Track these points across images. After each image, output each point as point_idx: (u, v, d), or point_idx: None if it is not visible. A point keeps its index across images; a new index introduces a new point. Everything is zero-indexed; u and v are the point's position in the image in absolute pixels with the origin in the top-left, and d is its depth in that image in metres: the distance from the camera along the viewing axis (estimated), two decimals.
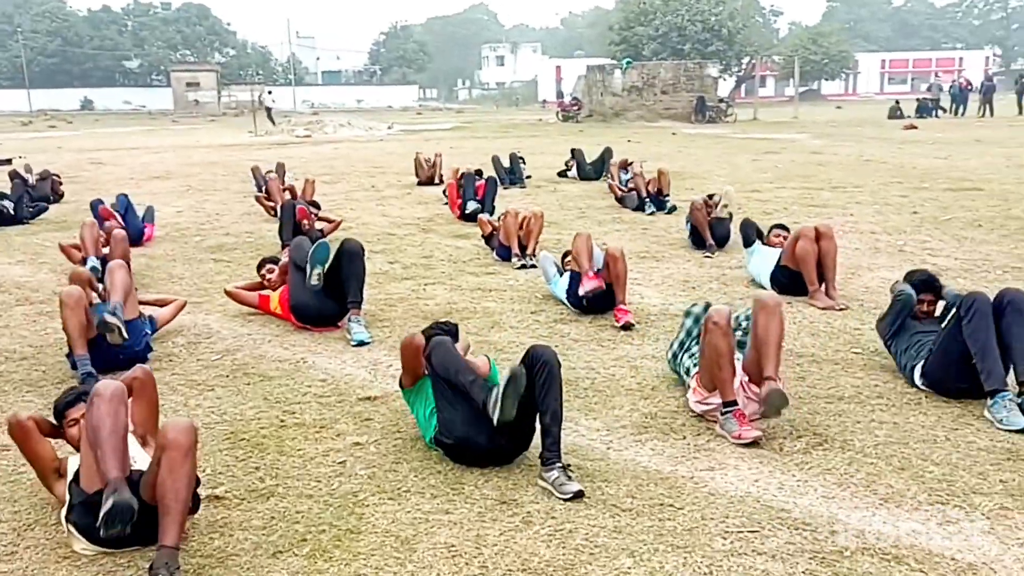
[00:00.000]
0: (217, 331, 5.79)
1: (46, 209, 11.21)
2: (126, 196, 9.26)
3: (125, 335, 4.70)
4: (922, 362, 4.42)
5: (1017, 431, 3.85)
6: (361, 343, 5.41)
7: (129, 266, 5.57)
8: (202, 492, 3.39)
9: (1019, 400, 3.99)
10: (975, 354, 4.09)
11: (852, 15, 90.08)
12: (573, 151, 14.94)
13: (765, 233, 6.99)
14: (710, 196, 8.50)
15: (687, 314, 4.70)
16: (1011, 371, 4.08)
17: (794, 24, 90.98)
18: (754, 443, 3.80)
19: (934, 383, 4.37)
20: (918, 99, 36.40)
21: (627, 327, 5.66)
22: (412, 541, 3.05)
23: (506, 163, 13.82)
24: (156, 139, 29.66)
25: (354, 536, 3.10)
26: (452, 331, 4.02)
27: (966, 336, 4.12)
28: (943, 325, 4.47)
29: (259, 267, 6.27)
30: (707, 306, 4.58)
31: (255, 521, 3.21)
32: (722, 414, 3.95)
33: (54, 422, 3.39)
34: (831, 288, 6.22)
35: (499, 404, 3.37)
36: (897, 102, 35.76)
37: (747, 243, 6.94)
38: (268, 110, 38.42)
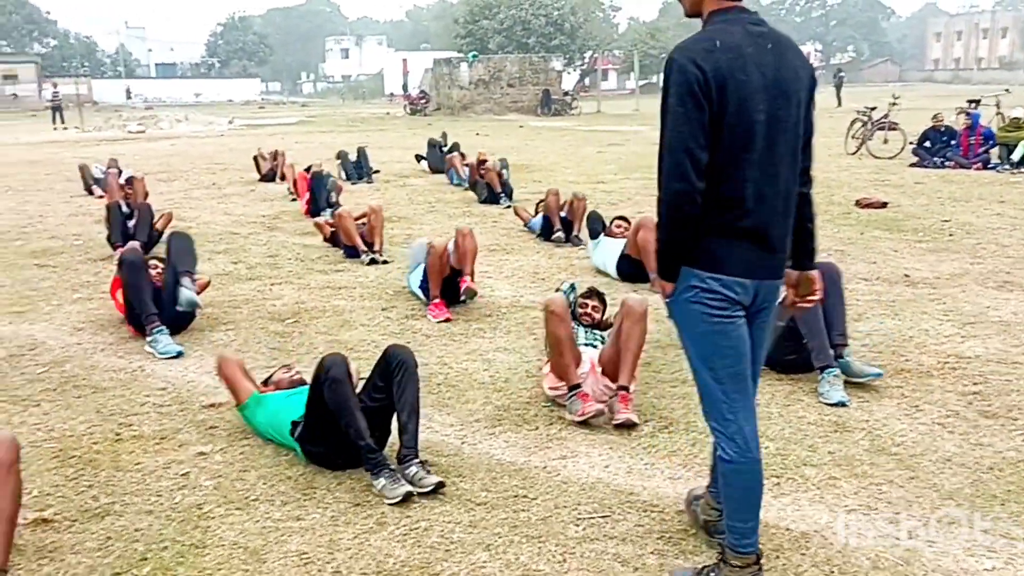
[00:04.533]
0: (43, 342, 5.40)
1: None
2: None
3: None
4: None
5: (835, 404, 4.13)
6: (188, 302, 5.31)
7: None
8: (29, 515, 3.16)
9: (841, 363, 4.30)
10: (805, 335, 4.35)
11: None
12: (430, 143, 14.97)
13: (608, 225, 7.19)
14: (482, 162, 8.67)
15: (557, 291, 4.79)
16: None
17: (633, 19, 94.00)
18: (600, 424, 3.89)
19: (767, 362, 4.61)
20: None
21: (470, 293, 5.77)
22: (262, 551, 2.95)
23: (353, 157, 13.61)
24: None
25: (199, 551, 2.96)
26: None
27: (796, 319, 4.37)
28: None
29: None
30: (572, 286, 4.70)
31: (89, 543, 3.01)
32: (568, 399, 4.04)
33: None
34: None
35: (396, 496, 3.24)
36: None
37: (593, 235, 7.13)
38: (55, 108, 32.69)
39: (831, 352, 4.34)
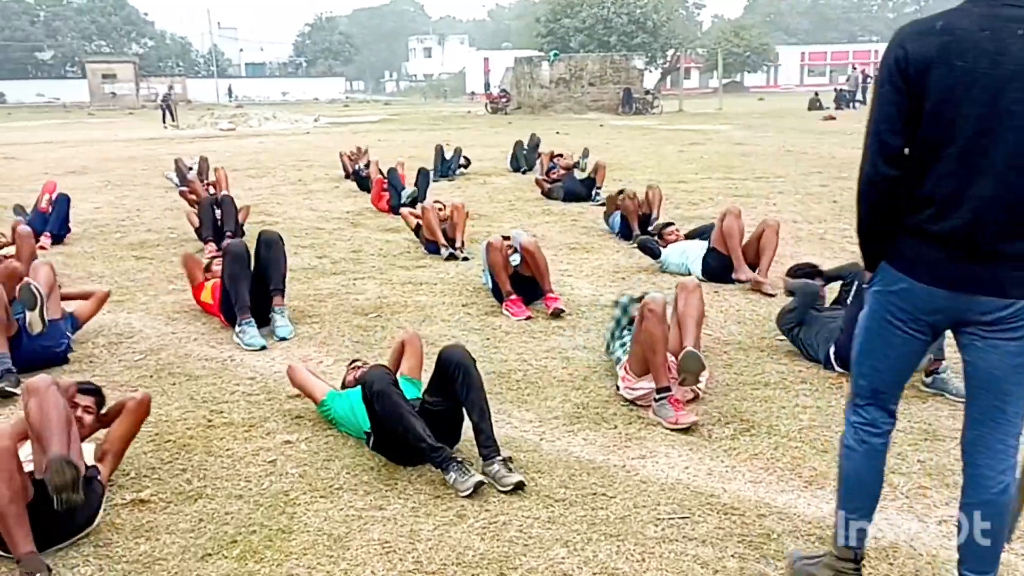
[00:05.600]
0: (140, 330, 5.63)
1: None
2: (67, 197, 9.00)
3: (45, 316, 4.66)
4: (833, 344, 4.57)
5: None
6: (283, 338, 5.33)
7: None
8: (127, 496, 3.32)
9: (937, 379, 4.20)
10: None
11: (772, 8, 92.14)
12: (513, 145, 15.02)
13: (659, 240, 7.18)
14: (619, 192, 8.60)
15: (615, 304, 4.80)
16: None
17: (717, 17, 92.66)
18: (688, 429, 3.87)
19: (846, 360, 4.50)
20: (836, 90, 37.42)
21: (557, 314, 5.70)
22: (345, 539, 3.02)
23: (449, 154, 13.80)
24: (71, 133, 28.63)
25: (286, 536, 3.05)
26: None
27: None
28: (848, 302, 4.65)
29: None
30: (632, 299, 4.68)
31: (183, 524, 3.14)
32: (656, 400, 4.01)
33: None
34: (765, 271, 6.45)
35: (467, 488, 3.28)
36: (816, 94, 36.73)
37: (654, 256, 7.04)
38: (167, 107, 33.68)
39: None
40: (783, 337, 5.15)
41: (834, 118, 27.73)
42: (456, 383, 3.49)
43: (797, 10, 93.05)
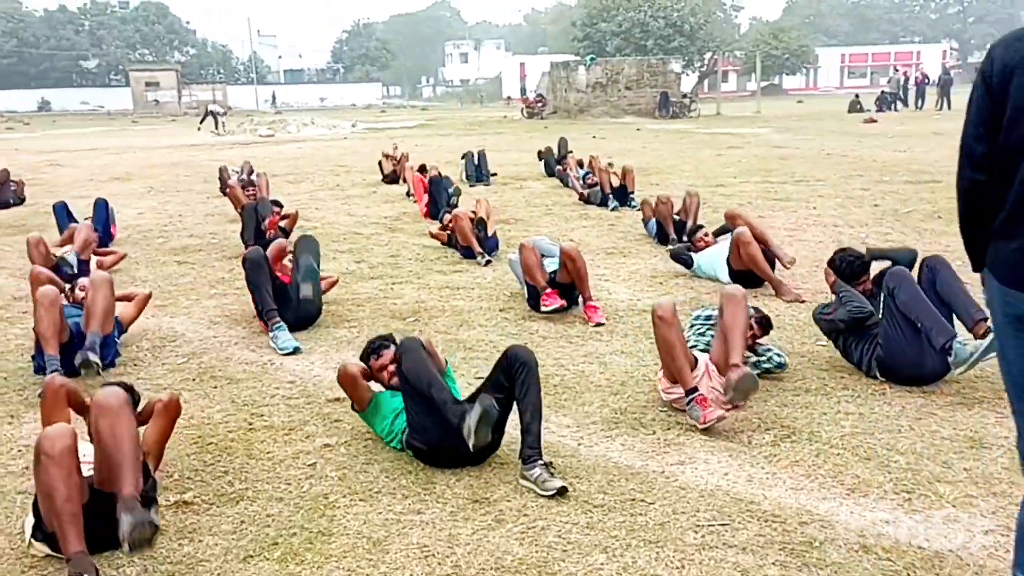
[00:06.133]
0: (182, 334, 5.71)
1: None
2: (106, 202, 9.14)
3: (100, 373, 4.69)
4: (878, 355, 4.49)
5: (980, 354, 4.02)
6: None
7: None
8: (171, 498, 3.37)
9: (975, 343, 4.15)
10: (917, 319, 4.25)
11: (812, 10, 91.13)
12: (542, 151, 15.03)
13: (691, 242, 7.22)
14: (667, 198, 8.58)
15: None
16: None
17: (755, 19, 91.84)
18: (721, 431, 3.84)
19: (889, 372, 4.45)
20: (879, 93, 36.89)
21: (598, 326, 5.69)
22: (384, 542, 3.04)
23: (476, 160, 13.87)
24: (115, 140, 29.17)
25: (326, 538, 3.08)
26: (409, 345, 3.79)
27: (902, 307, 4.27)
28: (881, 315, 4.54)
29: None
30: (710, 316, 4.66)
31: (225, 526, 3.18)
32: (687, 403, 3.99)
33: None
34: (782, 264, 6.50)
35: (473, 432, 3.33)
36: (857, 96, 36.24)
37: (687, 265, 7.02)
38: (214, 116, 33.63)
39: (948, 325, 4.28)
40: (824, 342, 5.09)
41: (875, 120, 27.33)
42: (517, 381, 3.52)
43: (837, 11, 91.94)
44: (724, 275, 6.59)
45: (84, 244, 6.83)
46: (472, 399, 3.51)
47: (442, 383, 3.57)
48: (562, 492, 3.31)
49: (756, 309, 4.75)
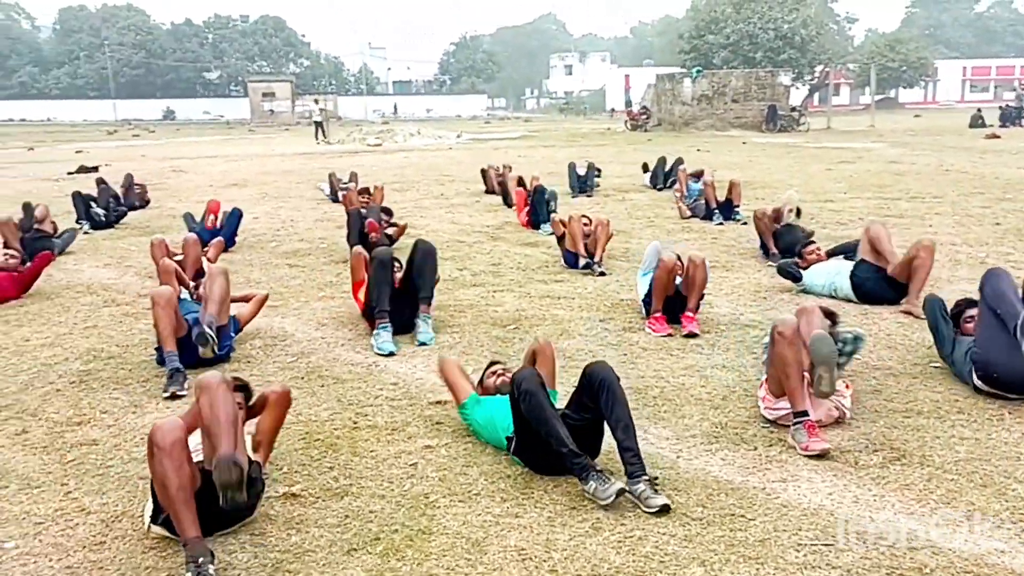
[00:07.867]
0: (292, 334, 5.93)
1: (126, 214, 11.61)
2: (240, 212, 9.79)
3: (217, 350, 5.00)
4: (973, 353, 4.44)
5: None
6: (423, 343, 5.51)
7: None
8: (280, 489, 3.51)
9: None
10: (996, 307, 4.28)
11: (932, 21, 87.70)
12: (656, 161, 14.89)
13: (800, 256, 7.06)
14: (776, 210, 8.40)
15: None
16: None
17: (870, 31, 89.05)
18: (823, 455, 3.74)
19: (985, 370, 4.36)
20: (1001, 107, 35.18)
21: (691, 336, 5.62)
22: (483, 543, 3.09)
23: (582, 171, 13.88)
24: (233, 148, 30.47)
25: (426, 537, 3.15)
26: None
27: (988, 300, 4.35)
28: (978, 312, 4.54)
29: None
30: (856, 338, 4.48)
31: (330, 519, 3.29)
32: (793, 424, 3.90)
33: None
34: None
35: (604, 500, 3.28)
36: (979, 110, 34.69)
37: (795, 280, 6.83)
38: (318, 124, 34.71)
39: None
40: (938, 363, 4.90)
41: (998, 136, 26.09)
42: (600, 400, 3.50)
43: (960, 23, 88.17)
44: (847, 287, 6.45)
45: (194, 261, 6.90)
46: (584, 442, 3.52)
47: (561, 436, 3.41)
48: (666, 510, 3.27)
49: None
